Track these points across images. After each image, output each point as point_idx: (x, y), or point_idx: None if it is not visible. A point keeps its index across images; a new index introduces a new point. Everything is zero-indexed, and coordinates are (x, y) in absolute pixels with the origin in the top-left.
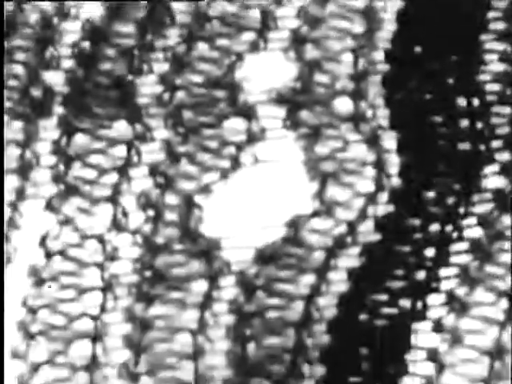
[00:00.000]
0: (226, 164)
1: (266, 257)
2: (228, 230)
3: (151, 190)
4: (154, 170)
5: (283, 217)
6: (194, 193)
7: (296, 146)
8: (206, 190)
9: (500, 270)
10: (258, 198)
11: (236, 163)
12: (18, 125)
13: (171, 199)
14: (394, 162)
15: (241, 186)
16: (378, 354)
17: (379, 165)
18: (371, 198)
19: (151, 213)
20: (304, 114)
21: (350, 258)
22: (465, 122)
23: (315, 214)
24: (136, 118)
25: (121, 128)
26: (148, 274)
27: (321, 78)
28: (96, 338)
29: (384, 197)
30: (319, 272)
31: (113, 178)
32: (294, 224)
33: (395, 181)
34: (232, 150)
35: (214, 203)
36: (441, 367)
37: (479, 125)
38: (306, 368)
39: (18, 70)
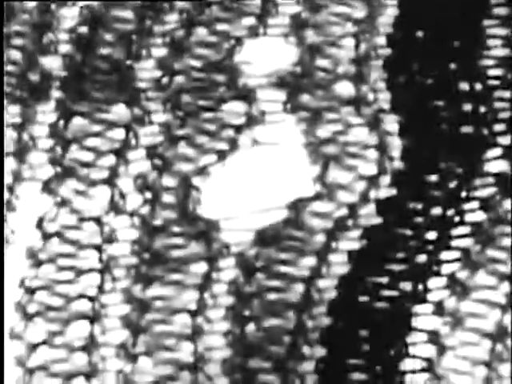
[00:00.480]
0: (224, 146)
1: (266, 239)
2: (228, 212)
3: (149, 173)
4: (151, 153)
5: (284, 199)
6: (192, 175)
7: (297, 129)
8: (203, 172)
9: (502, 254)
10: (258, 180)
11: (234, 145)
12: (15, 109)
13: (169, 181)
14: (396, 145)
15: (242, 169)
16: (378, 336)
17: (381, 148)
18: (373, 181)
19: (149, 195)
20: (304, 98)
21: (351, 241)
22: (467, 106)
23: (317, 196)
24: (134, 101)
25: (119, 111)
26: (146, 255)
27: (322, 62)
28: (94, 318)
29: (386, 180)
30: (319, 254)
31: (110, 160)
32: (295, 206)
33: (397, 164)
34: (231, 132)
35: (214, 185)
36: (442, 349)
37: (482, 109)
38: (305, 349)
39: (16, 55)
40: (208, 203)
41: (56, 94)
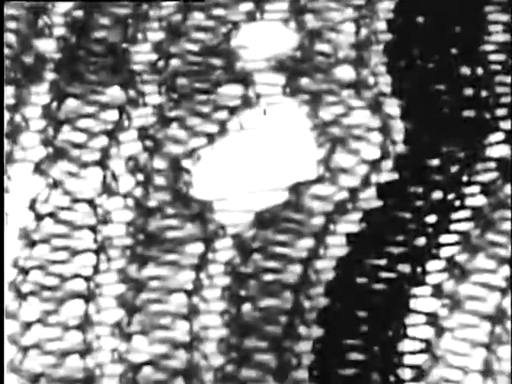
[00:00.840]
0: (217, 129)
1: (264, 220)
2: (226, 194)
3: (140, 154)
4: (143, 134)
5: (281, 181)
6: (183, 157)
7: (296, 112)
8: (194, 154)
9: (502, 238)
10: (256, 162)
11: (225, 128)
12: (9, 90)
13: (160, 163)
14: (398, 129)
15: (241, 151)
16: (376, 316)
17: (384, 131)
18: (375, 165)
19: (141, 177)
20: (304, 81)
21: (350, 224)
22: (469, 91)
23: (319, 179)
24: (129, 83)
25: (113, 93)
26: (141, 236)
27: (322, 47)
28: (89, 297)
29: (388, 164)
30: (317, 236)
31: (102, 141)
32: (296, 189)
33: (400, 147)
34: (225, 115)
35: (212, 167)
36: (440, 331)
37: (483, 93)
38: (302, 329)
39: (11, 38)
40: (206, 185)
41: (50, 75)
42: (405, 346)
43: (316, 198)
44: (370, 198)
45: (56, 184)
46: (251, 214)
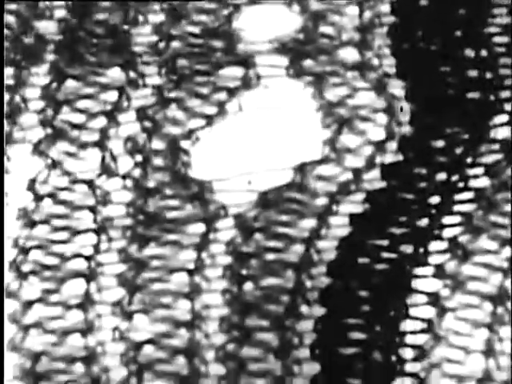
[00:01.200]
0: (217, 110)
1: (267, 200)
2: (229, 174)
3: (139, 135)
4: (142, 115)
5: (288, 162)
6: (182, 138)
7: (304, 93)
8: (193, 135)
9: (504, 219)
10: (264, 143)
11: (223, 109)
12: (8, 71)
13: (159, 144)
14: (404, 110)
15: (246, 132)
16: (378, 296)
17: (390, 112)
18: (380, 146)
19: (139, 157)
20: (308, 63)
21: (353, 204)
22: (473, 73)
23: (324, 160)
24: (130, 64)
25: (113, 74)
26: (142, 217)
27: (326, 29)
28: (90, 277)
29: (393, 145)
30: (320, 216)
31: (101, 122)
32: (301, 169)
33: (406, 129)
34: (225, 96)
35: (214, 148)
36: (442, 311)
37: (488, 75)
38: (304, 309)
39: (11, 19)
40: (206, 166)
41: (50, 56)
42: (406, 325)
43: (320, 179)
44: (373, 179)
45: (55, 164)
46: (254, 194)
